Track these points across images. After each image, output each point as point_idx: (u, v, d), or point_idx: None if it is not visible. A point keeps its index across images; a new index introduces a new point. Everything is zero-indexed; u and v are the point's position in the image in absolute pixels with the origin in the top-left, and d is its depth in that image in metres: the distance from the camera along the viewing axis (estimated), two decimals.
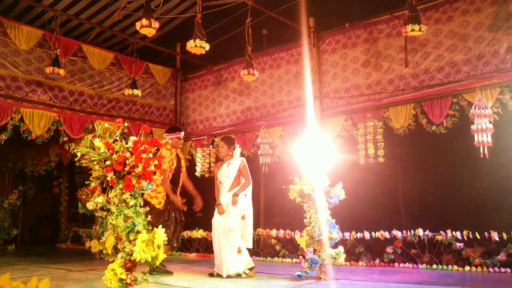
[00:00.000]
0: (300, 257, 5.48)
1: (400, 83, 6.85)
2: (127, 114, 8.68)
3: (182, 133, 6.12)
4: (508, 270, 5.64)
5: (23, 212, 11.76)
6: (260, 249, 7.96)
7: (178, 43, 9.61)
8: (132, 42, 8.52)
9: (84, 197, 7.36)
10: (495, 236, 5.84)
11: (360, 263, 6.65)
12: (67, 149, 8.14)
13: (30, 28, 7.36)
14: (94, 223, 8.77)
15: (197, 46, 5.67)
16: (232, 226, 5.52)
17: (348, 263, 6.63)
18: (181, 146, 6.18)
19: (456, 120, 6.32)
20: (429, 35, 6.58)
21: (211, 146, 8.92)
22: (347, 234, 6.79)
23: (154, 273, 5.56)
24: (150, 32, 5.64)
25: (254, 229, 7.91)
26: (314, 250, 5.40)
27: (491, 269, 5.74)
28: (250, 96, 8.70)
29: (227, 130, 8.82)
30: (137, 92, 8.00)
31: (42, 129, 7.41)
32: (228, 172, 5.74)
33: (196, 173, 8.80)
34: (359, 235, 6.75)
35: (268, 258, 7.64)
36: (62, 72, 6.96)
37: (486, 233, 5.89)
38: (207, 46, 5.77)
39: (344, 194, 5.58)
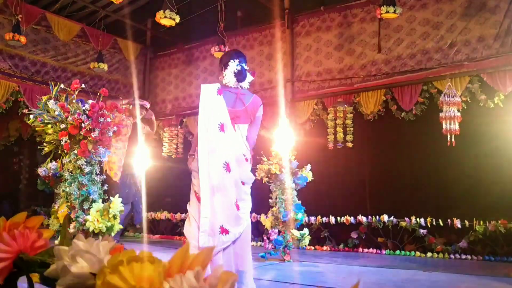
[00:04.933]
0: (265, 238, 5.40)
1: (372, 69, 6.81)
2: (92, 89, 8.33)
3: (125, 101, 5.44)
4: (469, 256, 5.71)
5: None
6: None
7: (149, 19, 9.30)
8: (100, 13, 8.16)
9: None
10: (457, 223, 5.89)
11: (325, 247, 6.61)
12: (27, 121, 7.77)
13: None
14: (53, 202, 8.44)
15: (167, 17, 5.45)
16: None
17: (313, 247, 6.60)
18: (139, 116, 5.49)
19: (425, 107, 6.34)
20: (403, 21, 6.55)
21: (179, 126, 8.72)
22: (312, 218, 6.74)
23: None
24: None
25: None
26: (279, 232, 5.33)
27: (452, 256, 5.80)
28: None
29: (197, 111, 8.62)
30: (103, 66, 7.68)
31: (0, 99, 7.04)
32: None
33: (163, 153, 8.58)
34: (324, 219, 6.71)
35: None
36: (22, 39, 6.59)
37: (449, 220, 5.94)
38: (177, 18, 5.58)
39: (312, 176, 5.54)
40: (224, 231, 2.98)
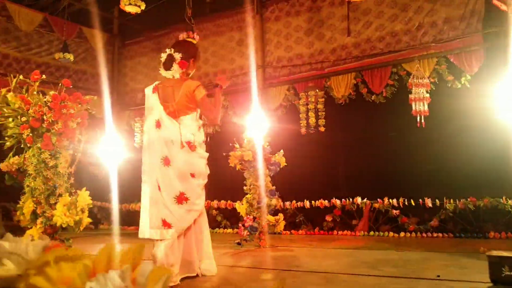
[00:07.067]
0: (240, 225, 5.39)
1: (342, 53, 6.82)
2: (58, 80, 8.09)
3: None
4: (440, 234, 5.85)
5: None
6: None
7: (115, 7, 9.05)
8: (63, 2, 7.90)
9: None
10: (428, 202, 6.01)
11: (300, 231, 6.67)
12: None
13: None
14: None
15: (132, 4, 5.31)
16: None
17: (289, 232, 6.64)
18: None
19: (395, 90, 6.40)
20: (371, 4, 6.56)
21: None
22: (287, 203, 6.78)
23: None
24: None
25: None
26: (254, 218, 5.33)
27: (424, 234, 5.93)
28: None
29: None
30: (69, 56, 7.46)
31: None
32: None
33: (135, 144, 8.45)
34: (299, 204, 6.75)
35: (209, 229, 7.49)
36: None
37: (420, 200, 6.05)
38: (143, 5, 5.44)
39: (285, 162, 5.54)
40: (166, 224, 3.01)
